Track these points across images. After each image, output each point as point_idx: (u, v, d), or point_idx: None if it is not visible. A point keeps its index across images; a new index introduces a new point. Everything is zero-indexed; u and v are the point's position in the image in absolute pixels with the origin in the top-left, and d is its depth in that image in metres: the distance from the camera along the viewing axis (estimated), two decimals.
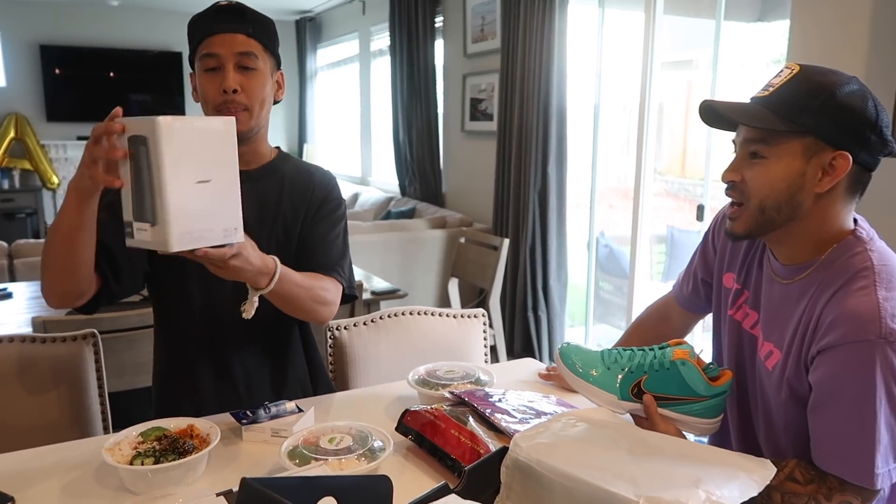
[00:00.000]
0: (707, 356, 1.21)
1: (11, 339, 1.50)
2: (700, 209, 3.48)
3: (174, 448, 1.07)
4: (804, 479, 0.97)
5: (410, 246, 4.16)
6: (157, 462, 1.03)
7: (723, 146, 4.09)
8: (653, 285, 4.20)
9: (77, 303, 1.28)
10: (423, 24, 5.00)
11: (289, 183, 1.42)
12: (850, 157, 0.97)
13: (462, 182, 4.94)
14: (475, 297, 4.16)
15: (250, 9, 1.34)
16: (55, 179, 6.84)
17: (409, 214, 4.93)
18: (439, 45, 5.03)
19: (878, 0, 2.28)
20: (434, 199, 5.14)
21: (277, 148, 1.48)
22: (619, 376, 1.11)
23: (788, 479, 0.97)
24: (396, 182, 5.65)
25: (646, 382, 1.09)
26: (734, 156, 1.07)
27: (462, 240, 3.78)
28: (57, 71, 6.88)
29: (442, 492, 0.86)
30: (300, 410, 1.27)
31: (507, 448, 0.96)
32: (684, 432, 1.11)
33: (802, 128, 0.97)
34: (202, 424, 1.14)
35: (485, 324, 1.81)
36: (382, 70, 6.04)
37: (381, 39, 6.05)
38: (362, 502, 0.74)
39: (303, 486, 0.69)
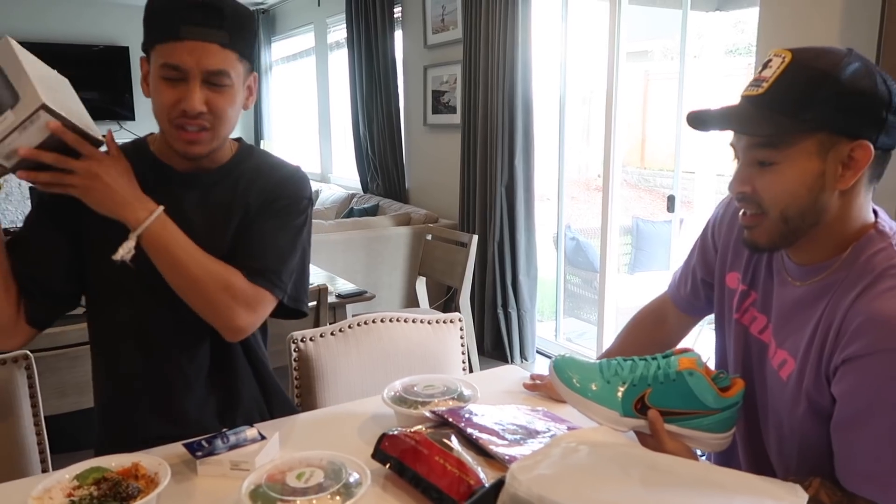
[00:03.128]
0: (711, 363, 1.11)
1: None
2: (671, 200, 3.42)
3: (116, 493, 0.92)
4: (830, 500, 0.87)
5: (375, 244, 4.02)
6: None
7: (690, 135, 4.04)
8: (620, 277, 4.15)
9: (7, 341, 1.15)
10: (381, 14, 4.84)
11: (244, 183, 1.23)
12: (871, 145, 0.87)
13: (426, 177, 4.81)
14: (443, 295, 4.04)
15: (229, 3, 1.10)
16: None
17: (373, 211, 4.78)
18: (398, 36, 4.88)
19: None
20: (398, 196, 4.99)
21: (238, 142, 1.29)
22: (621, 390, 1.00)
23: (813, 501, 0.88)
24: (358, 178, 5.49)
25: (650, 396, 0.99)
26: (737, 163, 0.96)
27: (429, 237, 3.66)
28: None
29: None
30: (262, 437, 1.13)
31: (503, 480, 0.85)
32: (694, 449, 1.01)
33: (812, 124, 0.87)
34: (149, 462, 1.00)
35: (461, 329, 1.69)
36: (340, 63, 5.85)
37: (338, 31, 5.87)
38: None
39: None
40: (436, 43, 4.44)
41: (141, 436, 1.19)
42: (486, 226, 3.88)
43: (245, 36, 1.13)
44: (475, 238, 3.31)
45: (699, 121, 0.94)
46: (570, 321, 4.62)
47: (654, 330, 1.31)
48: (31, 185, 1.09)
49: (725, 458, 1.15)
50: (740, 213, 0.98)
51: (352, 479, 0.95)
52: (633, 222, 5.57)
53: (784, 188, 0.90)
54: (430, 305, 3.82)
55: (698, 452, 1.04)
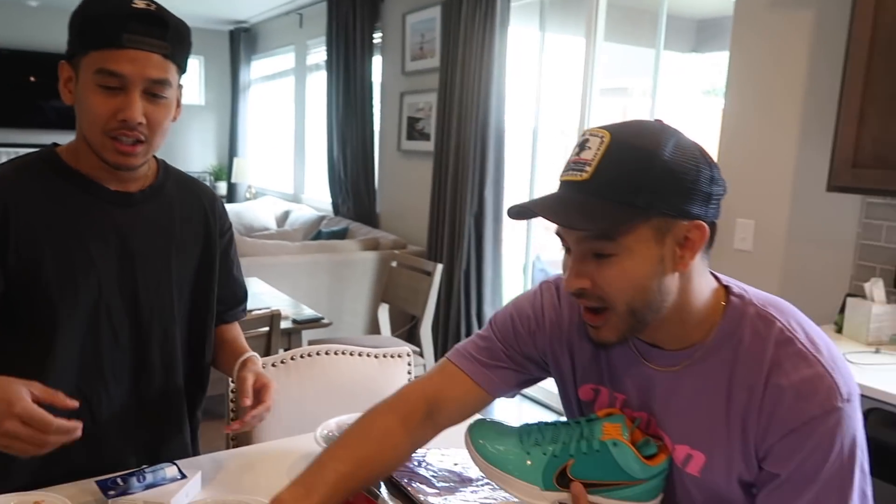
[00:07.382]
0: None
1: None
2: None
3: None
4: None
5: (340, 268, 3.97)
6: None
7: None
8: None
9: None
10: (360, 39, 4.85)
11: (178, 205, 1.25)
12: (705, 224, 0.83)
13: (397, 202, 4.79)
14: (406, 323, 3.98)
15: (171, 15, 1.09)
16: None
17: (342, 235, 4.73)
18: (377, 61, 4.89)
19: (817, 27, 2.27)
20: (368, 220, 4.96)
21: (155, 159, 1.26)
22: (541, 461, 0.92)
23: None
24: (329, 200, 5.44)
25: (572, 468, 0.92)
26: (568, 256, 0.88)
27: (394, 263, 3.61)
28: None
29: None
30: (183, 476, 1.07)
31: None
32: None
33: (646, 210, 0.81)
34: (53, 501, 0.93)
35: (410, 364, 1.64)
36: (318, 85, 5.84)
37: (318, 53, 5.87)
38: None
39: None
40: (413, 70, 4.45)
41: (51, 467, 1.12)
42: (453, 254, 3.86)
43: (184, 49, 1.13)
44: (440, 267, 3.27)
45: (525, 213, 0.86)
46: None
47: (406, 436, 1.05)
48: None
49: None
50: (582, 310, 0.91)
51: None
52: None
53: (627, 281, 0.84)
54: (393, 333, 3.76)
55: None
